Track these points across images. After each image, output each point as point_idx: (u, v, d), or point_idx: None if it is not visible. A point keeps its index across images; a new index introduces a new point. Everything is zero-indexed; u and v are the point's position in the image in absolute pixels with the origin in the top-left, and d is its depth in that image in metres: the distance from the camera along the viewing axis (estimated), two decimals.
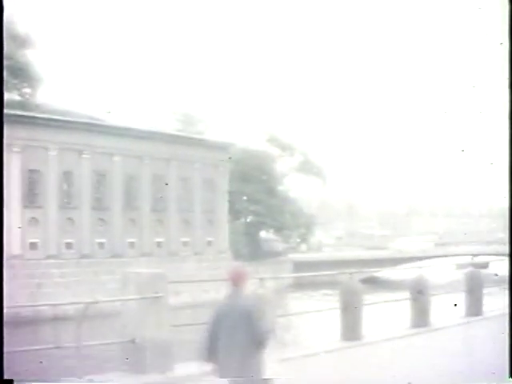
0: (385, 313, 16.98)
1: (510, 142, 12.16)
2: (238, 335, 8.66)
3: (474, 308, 18.33)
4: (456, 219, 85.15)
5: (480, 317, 18.07)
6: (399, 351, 14.41)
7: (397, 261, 62.72)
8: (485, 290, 18.73)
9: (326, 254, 71.31)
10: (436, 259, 64.04)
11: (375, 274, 56.56)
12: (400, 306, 17.06)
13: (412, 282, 16.99)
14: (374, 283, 45.74)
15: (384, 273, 60.87)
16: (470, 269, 19.24)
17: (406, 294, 16.93)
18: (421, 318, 16.57)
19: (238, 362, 8.62)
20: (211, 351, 8.74)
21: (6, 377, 10.61)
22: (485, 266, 25.91)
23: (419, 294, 16.58)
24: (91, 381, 10.55)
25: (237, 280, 8.87)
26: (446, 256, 65.20)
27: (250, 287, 9.80)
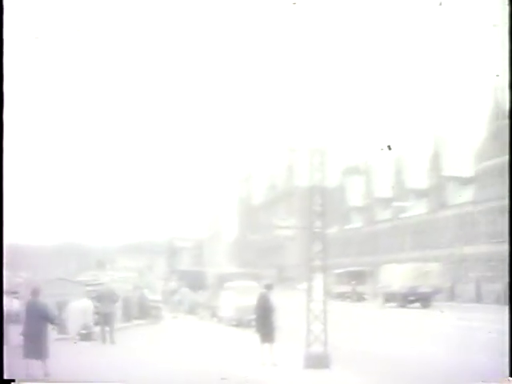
0: None
1: (510, 142, 12.59)
2: (36, 321, 17.74)
3: None
4: None
5: None
6: None
7: None
8: None
9: None
10: None
11: None
12: None
13: None
14: None
15: None
16: None
17: None
18: None
19: (35, 335, 17.55)
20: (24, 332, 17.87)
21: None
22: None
23: None
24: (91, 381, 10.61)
25: (33, 291, 18.34)
26: None
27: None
